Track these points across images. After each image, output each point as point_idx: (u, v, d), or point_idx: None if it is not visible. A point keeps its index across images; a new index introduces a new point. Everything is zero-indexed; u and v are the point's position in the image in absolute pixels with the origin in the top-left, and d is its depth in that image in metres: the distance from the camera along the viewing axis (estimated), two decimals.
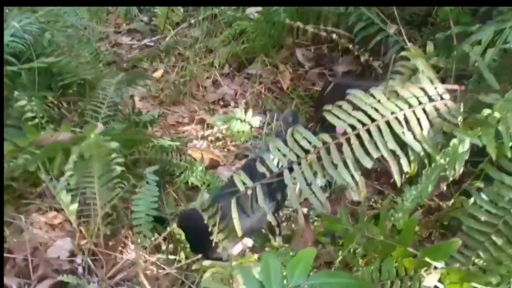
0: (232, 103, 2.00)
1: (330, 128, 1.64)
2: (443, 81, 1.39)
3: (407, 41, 1.63)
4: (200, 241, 1.06)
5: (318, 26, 1.83)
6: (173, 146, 1.49)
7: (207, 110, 1.96)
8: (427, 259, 0.70)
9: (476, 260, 0.79)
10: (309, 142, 0.91)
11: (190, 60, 2.12)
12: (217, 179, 1.41)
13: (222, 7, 2.10)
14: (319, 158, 0.87)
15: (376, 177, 1.38)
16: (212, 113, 1.93)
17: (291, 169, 0.88)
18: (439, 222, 1.01)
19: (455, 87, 0.90)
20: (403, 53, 1.45)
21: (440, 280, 0.76)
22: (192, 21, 2.33)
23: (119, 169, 0.96)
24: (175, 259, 1.04)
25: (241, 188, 0.90)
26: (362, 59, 1.60)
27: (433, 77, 0.92)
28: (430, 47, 1.54)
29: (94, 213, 1.03)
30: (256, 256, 1.15)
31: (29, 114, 1.20)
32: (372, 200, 1.23)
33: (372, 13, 1.71)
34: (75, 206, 1.05)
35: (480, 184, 0.87)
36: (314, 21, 1.87)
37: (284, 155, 0.91)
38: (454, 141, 0.87)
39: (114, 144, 0.94)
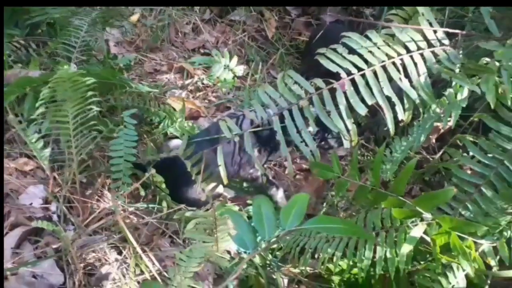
0: (214, 51, 1.91)
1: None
2: (441, 25, 1.36)
3: None
4: (180, 189, 1.02)
5: None
6: (151, 94, 1.41)
7: (187, 58, 1.87)
8: (418, 208, 0.69)
9: (463, 212, 0.79)
10: (301, 87, 0.86)
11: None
12: (197, 130, 1.36)
13: None
14: (311, 104, 0.83)
15: (359, 132, 1.36)
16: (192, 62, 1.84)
17: (281, 116, 0.84)
18: (423, 176, 1.01)
19: (456, 31, 0.86)
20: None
21: (424, 232, 0.76)
22: None
23: (95, 109, 0.89)
24: (154, 207, 1.00)
25: (228, 135, 0.85)
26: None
27: (433, 20, 0.87)
28: None
29: (68, 159, 0.96)
30: (237, 207, 1.14)
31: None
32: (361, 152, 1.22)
33: None
34: (47, 152, 0.98)
35: (470, 137, 0.85)
36: None
37: (274, 101, 0.86)
38: (450, 90, 0.84)
39: (90, 80, 0.86)
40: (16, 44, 1.40)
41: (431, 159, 1.02)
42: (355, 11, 1.67)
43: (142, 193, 0.99)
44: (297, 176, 1.33)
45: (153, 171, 0.97)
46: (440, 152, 0.97)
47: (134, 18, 2.03)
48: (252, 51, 1.87)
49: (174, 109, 1.52)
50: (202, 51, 1.91)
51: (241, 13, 1.91)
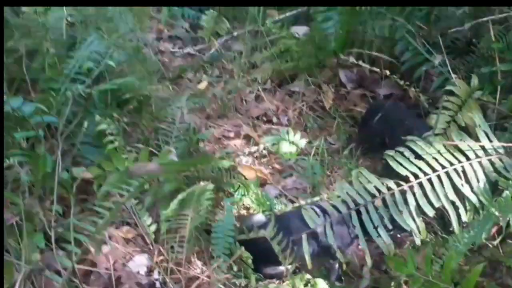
0: (275, 119, 2.12)
1: (371, 150, 1.76)
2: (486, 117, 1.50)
3: (451, 72, 1.73)
4: (262, 260, 1.20)
5: (363, 50, 1.93)
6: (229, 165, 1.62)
7: (251, 125, 2.08)
8: None
9: None
10: (375, 186, 1.03)
11: (235, 74, 2.23)
12: (269, 201, 1.53)
13: (268, 24, 2.20)
14: (384, 203, 0.99)
15: None
16: (255, 128, 2.05)
17: (358, 212, 1.01)
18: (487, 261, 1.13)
19: (510, 144, 1.00)
20: (449, 87, 1.57)
21: None
22: (235, 33, 2.44)
23: (209, 202, 1.09)
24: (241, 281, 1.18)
25: (311, 225, 1.02)
26: (411, 94, 1.69)
27: (489, 130, 1.02)
28: (475, 80, 1.64)
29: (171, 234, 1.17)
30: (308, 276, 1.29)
31: (109, 138, 1.34)
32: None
33: (417, 42, 1.80)
34: (154, 227, 1.19)
35: None
36: (358, 45, 1.97)
37: (351, 197, 1.02)
38: (507, 192, 0.98)
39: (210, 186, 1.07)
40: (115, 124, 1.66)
41: (491, 246, 1.15)
42: (408, 86, 1.83)
43: (235, 268, 1.18)
44: None
45: (242, 248, 1.16)
46: (498, 240, 1.10)
47: (202, 85, 2.29)
48: (310, 119, 2.06)
49: (245, 177, 1.72)
50: (264, 118, 2.13)
51: (301, 84, 2.12)
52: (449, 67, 1.73)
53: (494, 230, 1.09)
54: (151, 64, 2.22)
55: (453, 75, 1.72)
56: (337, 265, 1.28)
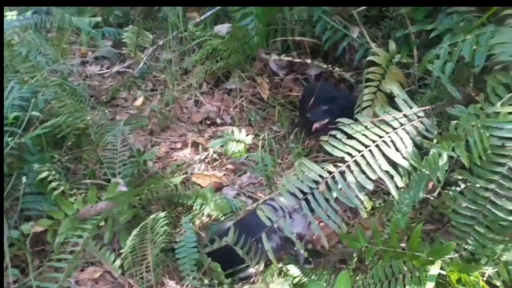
0: (218, 120, 2.14)
1: (316, 134, 1.83)
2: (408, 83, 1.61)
3: (370, 42, 1.82)
4: (233, 266, 1.24)
5: (286, 37, 1.99)
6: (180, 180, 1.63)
7: (196, 131, 2.09)
8: (431, 258, 0.90)
9: (466, 247, 1.01)
10: (316, 173, 1.09)
11: (168, 84, 2.22)
12: (227, 203, 1.56)
13: (190, 28, 2.20)
14: (328, 187, 1.05)
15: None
16: (201, 134, 2.07)
17: (306, 200, 1.06)
18: (430, 212, 1.24)
19: (427, 107, 1.09)
20: (370, 58, 1.65)
21: (441, 268, 0.97)
22: (161, 42, 2.41)
23: (164, 228, 1.11)
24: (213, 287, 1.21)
25: (267, 223, 1.07)
26: (335, 73, 1.77)
27: (407, 98, 1.11)
28: (392, 45, 1.74)
29: (138, 262, 1.18)
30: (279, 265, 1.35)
31: (53, 184, 1.31)
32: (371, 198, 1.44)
33: (335, 20, 1.87)
34: (118, 262, 1.20)
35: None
36: (282, 33, 2.02)
37: (298, 188, 1.08)
38: (433, 150, 1.07)
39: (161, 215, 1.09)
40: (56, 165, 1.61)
41: (432, 198, 1.25)
42: (337, 65, 1.92)
43: (206, 280, 1.21)
44: None
45: (209, 259, 1.19)
46: (436, 191, 1.20)
47: (139, 102, 2.27)
48: (252, 113, 2.10)
49: (201, 186, 1.74)
50: (208, 122, 2.15)
51: (235, 81, 2.15)
52: (367, 37, 1.82)
53: (430, 186, 1.19)
54: (81, 92, 2.16)
55: (373, 44, 1.81)
56: (302, 250, 1.34)
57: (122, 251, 1.15)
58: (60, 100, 1.79)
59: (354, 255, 1.20)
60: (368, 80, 1.51)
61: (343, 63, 2.01)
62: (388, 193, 1.26)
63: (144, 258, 1.13)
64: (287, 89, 2.13)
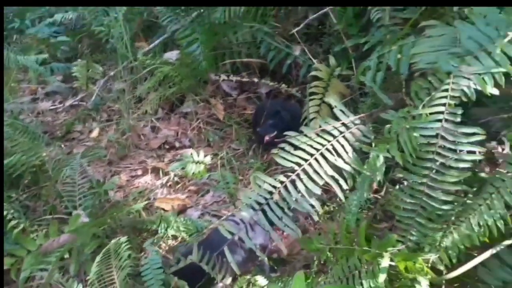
0: (177, 143, 2.18)
1: (268, 147, 1.92)
2: (352, 90, 1.73)
3: (312, 59, 1.95)
4: (201, 285, 1.28)
5: (235, 59, 2.08)
6: (142, 206, 1.66)
7: (155, 156, 2.12)
8: (378, 251, 0.99)
9: (411, 238, 1.12)
10: (270, 184, 1.16)
11: (123, 113, 2.25)
12: (192, 224, 1.61)
13: (140, 57, 2.25)
14: (281, 197, 1.13)
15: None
16: (161, 159, 2.10)
17: (263, 211, 1.13)
18: (378, 209, 1.34)
19: (362, 115, 1.20)
20: (312, 73, 1.77)
21: (391, 260, 1.07)
22: (112, 73, 2.44)
23: (128, 252, 1.14)
24: None
25: (229, 236, 1.13)
26: (282, 89, 1.88)
27: (345, 109, 1.22)
28: (332, 60, 1.87)
29: None
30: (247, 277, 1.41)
31: (13, 223, 1.30)
32: (324, 202, 1.54)
33: (277, 41, 1.99)
34: None
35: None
36: (230, 56, 2.12)
37: (254, 200, 1.15)
38: (373, 154, 1.17)
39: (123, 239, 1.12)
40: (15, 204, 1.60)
41: (379, 197, 1.36)
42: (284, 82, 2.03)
43: None
44: None
45: (175, 279, 1.23)
46: (383, 191, 1.31)
47: (95, 134, 2.28)
48: (210, 134, 2.16)
49: (164, 210, 1.77)
50: (166, 146, 2.18)
51: (190, 104, 2.21)
52: (308, 54, 1.94)
53: (375, 186, 1.30)
54: (34, 130, 2.14)
55: (315, 60, 1.94)
56: (266, 260, 1.40)
57: (88, 279, 1.16)
58: (12, 139, 1.78)
59: (315, 258, 1.28)
60: (312, 93, 1.62)
61: (291, 79, 2.12)
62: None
63: (111, 283, 1.15)
64: (241, 108, 2.21)
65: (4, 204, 1.45)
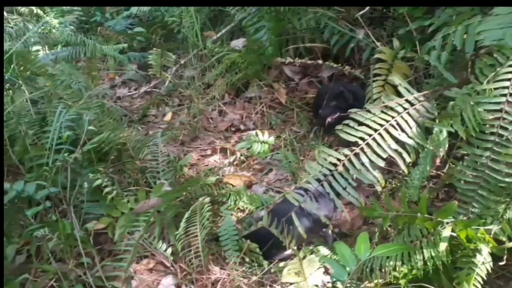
0: (242, 126, 2.36)
1: (330, 129, 2.02)
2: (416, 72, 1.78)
3: (375, 42, 2.01)
4: (271, 249, 1.43)
5: (298, 45, 2.20)
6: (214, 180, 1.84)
7: (222, 138, 2.31)
8: (439, 219, 1.07)
9: (473, 210, 1.17)
10: (334, 157, 1.27)
11: (193, 98, 2.46)
12: (259, 198, 1.76)
13: (209, 46, 2.43)
14: (345, 168, 1.24)
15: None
16: (228, 140, 2.28)
17: (328, 182, 1.25)
18: (440, 186, 1.40)
19: (427, 92, 1.27)
20: (376, 55, 1.84)
21: (452, 230, 1.13)
22: (183, 61, 2.66)
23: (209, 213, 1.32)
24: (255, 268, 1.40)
25: (296, 203, 1.26)
26: (345, 72, 1.96)
27: (409, 86, 1.29)
28: (396, 43, 1.92)
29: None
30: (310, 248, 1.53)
31: (108, 189, 1.54)
32: (386, 180, 1.61)
33: (341, 25, 2.07)
34: (169, 250, 1.40)
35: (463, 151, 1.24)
36: (293, 41, 2.23)
37: (320, 172, 1.27)
38: (436, 129, 1.24)
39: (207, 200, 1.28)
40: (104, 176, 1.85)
41: (442, 173, 1.42)
42: (348, 65, 2.11)
43: (247, 259, 1.40)
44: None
45: (247, 241, 1.38)
46: (446, 168, 1.37)
47: (168, 117, 2.51)
48: (272, 117, 2.30)
49: (233, 185, 1.95)
50: (232, 129, 2.36)
51: (254, 90, 2.36)
52: (372, 37, 2.01)
53: (438, 161, 1.36)
54: (116, 113, 2.41)
55: (378, 43, 2.00)
56: (330, 231, 1.53)
57: (177, 233, 1.35)
58: (100, 120, 2.05)
59: (377, 230, 1.37)
60: (376, 75, 1.69)
61: (353, 63, 2.20)
62: (405, 175, 1.43)
63: (192, 243, 1.33)
64: (303, 92, 2.33)
65: (97, 175, 1.69)
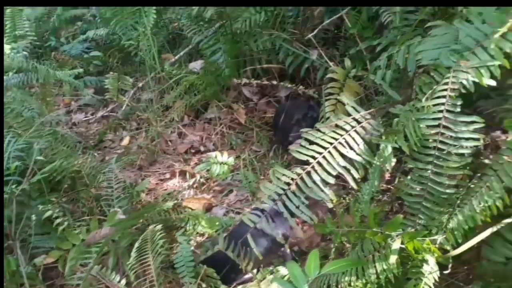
0: (202, 148, 2.37)
1: (289, 144, 2.06)
2: (367, 89, 1.87)
3: (328, 62, 2.09)
4: (229, 274, 1.43)
5: (255, 66, 2.26)
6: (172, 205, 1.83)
7: (182, 161, 2.31)
8: (387, 232, 1.12)
9: (419, 222, 1.23)
10: (287, 176, 1.31)
11: (152, 121, 2.46)
12: (218, 221, 1.77)
13: (167, 68, 2.45)
14: (298, 187, 1.28)
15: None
16: (187, 162, 2.29)
17: (282, 201, 1.28)
18: (393, 199, 1.46)
19: (372, 110, 1.34)
20: (329, 75, 1.92)
21: (402, 243, 1.18)
22: (141, 84, 2.66)
23: (162, 240, 1.31)
24: None
25: (251, 225, 1.28)
26: (299, 91, 2.03)
27: (356, 105, 1.36)
28: (347, 62, 2.01)
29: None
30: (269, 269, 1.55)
31: (58, 220, 1.50)
32: (341, 196, 1.67)
33: (295, 46, 2.15)
34: (123, 281, 1.38)
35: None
36: (250, 63, 2.29)
37: (274, 191, 1.30)
38: (382, 145, 1.30)
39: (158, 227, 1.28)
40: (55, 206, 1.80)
41: (391, 187, 1.48)
42: (302, 85, 2.18)
43: (204, 285, 1.40)
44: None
45: (204, 266, 1.38)
46: (395, 182, 1.43)
47: (125, 141, 2.50)
48: (233, 137, 2.33)
49: (192, 209, 1.94)
50: (192, 150, 2.37)
51: (214, 111, 2.40)
52: (325, 57, 2.09)
53: (387, 176, 1.42)
54: (70, 139, 2.37)
55: (331, 63, 2.09)
56: (288, 250, 1.55)
57: (128, 263, 1.33)
58: (53, 148, 2.01)
59: (332, 246, 1.41)
60: (328, 94, 1.76)
61: (309, 82, 2.28)
62: (357, 190, 1.48)
63: (146, 273, 1.32)
64: (262, 111, 2.38)
65: (49, 205, 1.66)
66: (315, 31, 2.06)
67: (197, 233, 1.74)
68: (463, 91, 1.15)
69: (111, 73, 2.59)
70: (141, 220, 1.72)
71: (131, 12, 2.42)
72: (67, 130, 2.68)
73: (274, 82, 2.05)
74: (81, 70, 2.62)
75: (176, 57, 2.59)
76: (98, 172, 1.99)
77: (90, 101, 2.88)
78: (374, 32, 2.05)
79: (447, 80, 1.16)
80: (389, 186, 1.51)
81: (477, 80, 1.13)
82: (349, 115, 1.36)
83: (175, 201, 1.96)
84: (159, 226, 1.34)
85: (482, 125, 1.14)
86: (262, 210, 1.36)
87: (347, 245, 1.46)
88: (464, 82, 1.14)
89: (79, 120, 2.79)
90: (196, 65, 2.44)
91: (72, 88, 2.81)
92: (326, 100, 1.73)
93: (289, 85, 2.02)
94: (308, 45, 2.19)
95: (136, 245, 1.30)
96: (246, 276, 1.50)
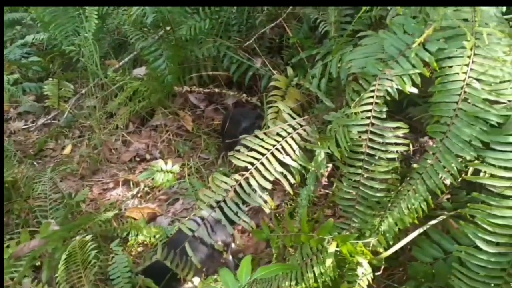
0: (147, 156, 2.33)
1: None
2: (308, 97, 1.92)
3: (272, 70, 2.13)
4: (169, 283, 1.41)
5: (201, 73, 2.26)
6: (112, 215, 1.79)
7: (126, 169, 2.26)
8: (321, 236, 1.15)
9: (353, 225, 1.28)
10: (226, 183, 1.32)
11: (95, 129, 2.39)
12: (161, 230, 1.74)
13: (110, 74, 2.40)
14: (236, 193, 1.29)
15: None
16: (132, 171, 2.24)
17: (220, 207, 1.29)
18: (334, 204, 1.51)
19: (307, 117, 1.38)
20: (272, 83, 1.95)
21: (337, 246, 1.22)
22: (83, 91, 2.59)
23: (94, 251, 1.27)
24: None
25: (189, 233, 1.27)
26: (243, 99, 2.06)
27: (292, 113, 1.39)
28: (289, 70, 2.06)
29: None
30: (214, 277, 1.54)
31: None
32: (284, 200, 1.70)
33: (239, 54, 2.18)
34: None
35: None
36: (196, 69, 2.29)
37: (212, 199, 1.30)
38: (317, 151, 1.35)
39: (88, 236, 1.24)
40: None
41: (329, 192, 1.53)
42: (249, 93, 2.21)
43: None
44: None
45: (141, 277, 1.36)
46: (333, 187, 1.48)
47: (67, 150, 2.41)
48: (180, 144, 2.31)
49: (135, 219, 1.90)
50: (137, 159, 2.32)
51: (160, 118, 2.37)
52: (269, 66, 2.13)
53: (324, 181, 1.47)
54: (6, 148, 2.26)
55: (274, 71, 2.13)
56: (230, 257, 1.55)
57: (56, 276, 1.28)
58: None
59: (274, 252, 1.43)
60: (270, 101, 1.79)
61: (255, 89, 2.30)
62: (296, 194, 1.52)
63: (79, 286, 1.27)
64: (210, 118, 2.38)
65: None
66: (252, 40, 2.10)
67: (138, 243, 1.71)
68: (388, 98, 1.21)
69: (50, 79, 2.50)
70: (80, 232, 1.66)
71: (72, 17, 2.35)
72: (5, 138, 2.55)
73: (216, 90, 2.06)
74: (18, 76, 2.51)
75: (121, 63, 2.54)
76: (36, 182, 1.91)
77: (30, 108, 2.76)
78: (315, 42, 2.11)
79: (373, 88, 1.22)
80: (327, 191, 1.56)
81: (400, 88, 1.19)
82: (284, 121, 1.39)
83: (117, 211, 1.91)
84: (88, 236, 1.30)
85: (407, 130, 1.21)
86: (203, 218, 1.36)
87: (291, 250, 1.49)
88: (389, 89, 1.20)
89: (18, 128, 2.66)
90: (141, 71, 2.40)
91: (9, 95, 2.67)
92: (269, 107, 1.76)
93: (233, 93, 2.04)
94: (254, 54, 2.22)
95: (63, 256, 1.25)
96: (187, 286, 1.49)
